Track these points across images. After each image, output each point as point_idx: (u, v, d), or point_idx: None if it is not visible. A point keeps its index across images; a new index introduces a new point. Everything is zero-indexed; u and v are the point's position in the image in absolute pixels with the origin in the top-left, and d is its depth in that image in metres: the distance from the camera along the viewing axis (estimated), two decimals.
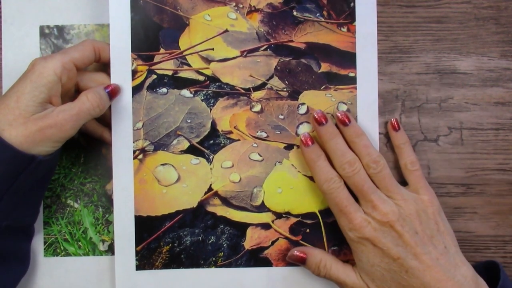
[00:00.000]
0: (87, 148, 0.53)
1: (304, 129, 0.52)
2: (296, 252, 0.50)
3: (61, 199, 0.54)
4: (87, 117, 0.47)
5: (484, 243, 0.54)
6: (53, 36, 0.54)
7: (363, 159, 0.49)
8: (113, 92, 0.50)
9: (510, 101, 0.54)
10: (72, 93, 0.50)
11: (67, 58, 0.46)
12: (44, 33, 0.54)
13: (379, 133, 0.53)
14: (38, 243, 0.53)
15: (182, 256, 0.52)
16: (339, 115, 0.50)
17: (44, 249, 0.54)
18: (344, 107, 0.52)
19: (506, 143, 0.54)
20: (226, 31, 0.53)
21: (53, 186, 0.54)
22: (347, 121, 0.49)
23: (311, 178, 0.52)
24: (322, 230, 0.52)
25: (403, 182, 0.51)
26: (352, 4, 0.52)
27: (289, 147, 0.52)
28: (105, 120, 0.52)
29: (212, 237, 0.52)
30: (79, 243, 0.54)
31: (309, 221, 0.52)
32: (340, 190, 0.48)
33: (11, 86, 0.46)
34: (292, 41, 0.53)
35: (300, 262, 0.50)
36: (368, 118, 0.52)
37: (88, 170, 0.54)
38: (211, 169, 0.52)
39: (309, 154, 0.49)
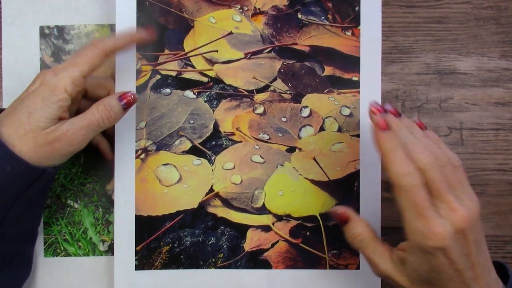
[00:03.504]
0: (87, 148, 0.53)
1: (307, 132, 0.53)
2: (341, 210, 0.47)
3: (61, 199, 0.54)
4: (98, 130, 0.47)
5: None
6: (53, 36, 0.54)
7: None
8: (128, 103, 0.48)
9: (510, 101, 0.54)
10: (79, 100, 0.50)
11: (77, 73, 0.45)
12: (44, 33, 0.54)
13: None
14: (38, 243, 0.53)
15: (181, 256, 0.52)
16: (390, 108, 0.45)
17: (44, 249, 0.54)
18: (347, 111, 0.53)
19: (506, 143, 0.54)
20: (231, 33, 0.53)
21: (53, 186, 0.54)
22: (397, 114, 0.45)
23: (312, 181, 0.52)
24: (322, 234, 0.52)
25: None
26: (357, 8, 0.52)
27: (291, 149, 0.53)
28: (106, 130, 0.51)
29: (212, 238, 0.52)
30: (79, 243, 0.54)
31: (309, 224, 0.52)
32: (421, 189, 0.41)
33: (20, 99, 0.45)
34: (296, 44, 0.53)
35: (341, 221, 0.47)
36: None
37: (88, 170, 0.54)
38: (212, 170, 0.52)
39: (386, 141, 0.42)
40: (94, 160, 0.54)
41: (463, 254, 0.41)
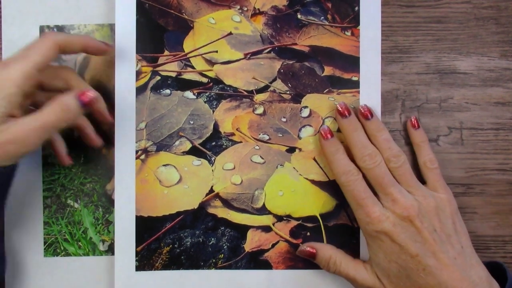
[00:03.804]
0: (87, 148, 0.53)
1: (307, 132, 0.53)
2: (306, 247, 0.50)
3: (61, 199, 0.54)
4: (53, 131, 0.44)
5: (484, 243, 0.54)
6: None
7: (384, 153, 0.48)
8: (87, 102, 0.44)
9: (510, 101, 0.54)
10: (32, 94, 0.47)
11: (29, 66, 0.42)
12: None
13: None
14: (38, 243, 0.53)
15: (182, 257, 0.52)
16: (361, 109, 0.50)
17: (44, 249, 0.54)
18: None
19: (506, 143, 0.54)
20: (230, 33, 0.53)
21: (53, 186, 0.54)
22: (369, 115, 0.49)
23: (312, 181, 0.52)
24: (322, 234, 0.52)
25: (421, 182, 0.50)
26: (356, 8, 0.52)
27: (291, 150, 0.53)
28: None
29: (213, 239, 0.52)
30: (79, 243, 0.54)
31: (309, 225, 0.52)
32: (358, 183, 0.47)
33: None
34: (296, 44, 0.53)
35: (309, 257, 0.50)
36: None
37: (88, 170, 0.54)
38: (212, 170, 0.52)
39: (328, 147, 0.49)
40: (94, 160, 0.54)
41: (414, 240, 0.45)
